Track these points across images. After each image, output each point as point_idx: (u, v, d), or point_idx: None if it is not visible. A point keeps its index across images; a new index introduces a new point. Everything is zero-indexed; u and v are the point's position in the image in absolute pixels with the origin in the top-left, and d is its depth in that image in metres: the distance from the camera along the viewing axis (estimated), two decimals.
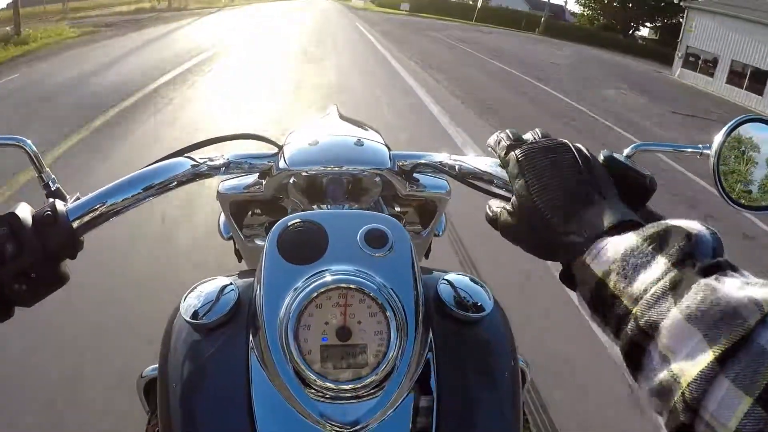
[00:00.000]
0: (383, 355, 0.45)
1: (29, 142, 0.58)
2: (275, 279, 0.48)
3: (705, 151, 0.60)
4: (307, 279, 0.47)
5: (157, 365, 0.75)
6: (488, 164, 0.66)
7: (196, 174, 0.63)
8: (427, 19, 31.23)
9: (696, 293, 0.32)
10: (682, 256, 0.34)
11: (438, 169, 0.69)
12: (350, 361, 0.45)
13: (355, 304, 0.46)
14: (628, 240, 0.37)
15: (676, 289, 0.33)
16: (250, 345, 0.49)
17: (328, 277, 0.46)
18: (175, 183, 0.61)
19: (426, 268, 0.61)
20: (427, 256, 0.91)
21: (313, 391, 0.45)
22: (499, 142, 0.50)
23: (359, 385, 0.45)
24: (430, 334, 0.51)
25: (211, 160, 0.65)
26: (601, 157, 0.61)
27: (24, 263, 0.49)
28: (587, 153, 0.48)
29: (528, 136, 0.50)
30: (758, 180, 0.58)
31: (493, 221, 0.49)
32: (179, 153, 0.64)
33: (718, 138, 0.59)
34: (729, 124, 0.59)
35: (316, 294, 0.45)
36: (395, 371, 0.46)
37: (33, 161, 0.59)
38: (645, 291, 0.34)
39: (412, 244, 0.52)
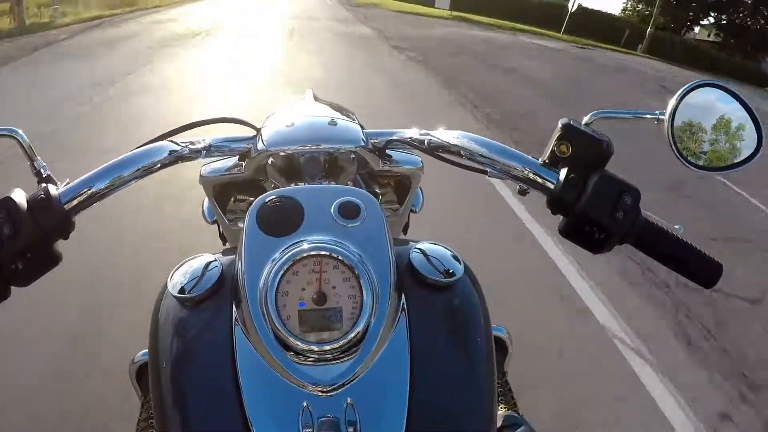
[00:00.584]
0: (357, 317, 0.48)
1: (20, 132, 0.60)
2: (255, 251, 0.51)
3: (660, 117, 0.61)
4: (284, 250, 0.50)
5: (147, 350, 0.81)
6: (456, 137, 0.69)
7: (179, 157, 0.66)
8: (494, 32, 17.91)
9: None
10: None
11: (409, 144, 0.72)
12: (327, 323, 0.48)
13: (330, 270, 0.49)
14: None
15: None
16: (234, 316, 0.52)
17: (304, 246, 0.49)
18: (159, 166, 0.64)
19: (401, 239, 0.64)
20: (405, 231, 0.93)
21: (293, 354, 0.48)
22: None
23: (336, 346, 0.47)
24: (403, 299, 0.54)
25: (192, 144, 0.68)
26: (558, 125, 0.63)
27: (20, 244, 0.52)
28: None
29: None
30: (710, 142, 0.59)
31: None
32: (161, 138, 0.67)
33: (671, 103, 0.61)
34: (681, 90, 0.61)
35: (292, 262, 0.48)
36: (369, 332, 0.48)
37: (25, 150, 0.61)
38: None
39: (384, 215, 0.55)
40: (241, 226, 0.84)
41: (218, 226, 0.95)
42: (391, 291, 0.51)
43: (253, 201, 0.82)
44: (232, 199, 0.85)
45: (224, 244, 0.96)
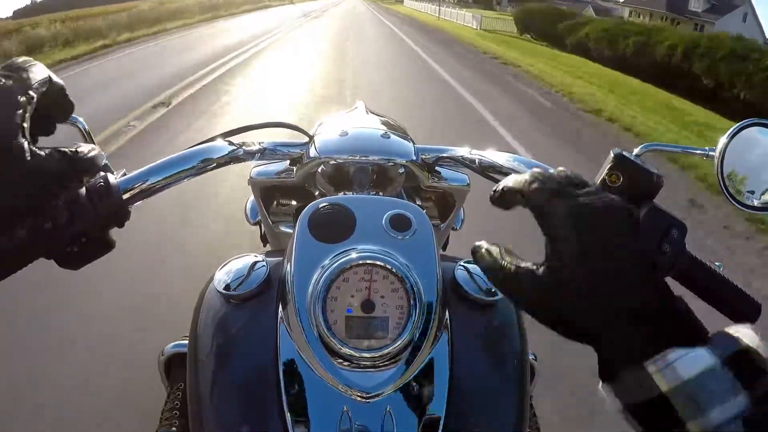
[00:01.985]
0: (403, 327, 0.49)
1: (81, 119, 0.62)
2: (305, 255, 0.53)
3: (710, 153, 0.62)
4: (335, 256, 0.51)
5: (178, 342, 0.81)
6: (507, 159, 0.70)
7: (233, 158, 0.67)
8: None
9: None
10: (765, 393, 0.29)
11: (459, 162, 0.73)
12: (373, 331, 0.49)
13: (379, 280, 0.50)
14: (704, 359, 0.31)
15: None
16: (280, 316, 0.54)
17: (355, 255, 0.50)
18: (214, 165, 0.66)
19: (445, 255, 0.65)
20: (444, 248, 0.94)
21: (336, 358, 0.49)
22: (531, 183, 0.39)
23: (380, 354, 0.48)
24: (447, 314, 0.55)
25: (246, 145, 0.70)
26: (611, 155, 0.64)
27: (77, 228, 0.53)
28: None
29: (559, 173, 0.40)
30: (760, 181, 0.60)
31: (489, 263, 0.39)
32: (218, 137, 0.69)
33: (722, 140, 0.61)
34: (733, 128, 0.61)
35: (343, 269, 0.50)
36: (413, 343, 0.49)
37: (84, 137, 0.63)
38: (719, 427, 0.29)
39: (433, 230, 0.56)
40: (284, 229, 0.87)
41: (260, 228, 0.97)
42: (437, 305, 0.51)
43: (298, 205, 0.85)
44: (275, 202, 0.86)
45: (264, 245, 0.98)
